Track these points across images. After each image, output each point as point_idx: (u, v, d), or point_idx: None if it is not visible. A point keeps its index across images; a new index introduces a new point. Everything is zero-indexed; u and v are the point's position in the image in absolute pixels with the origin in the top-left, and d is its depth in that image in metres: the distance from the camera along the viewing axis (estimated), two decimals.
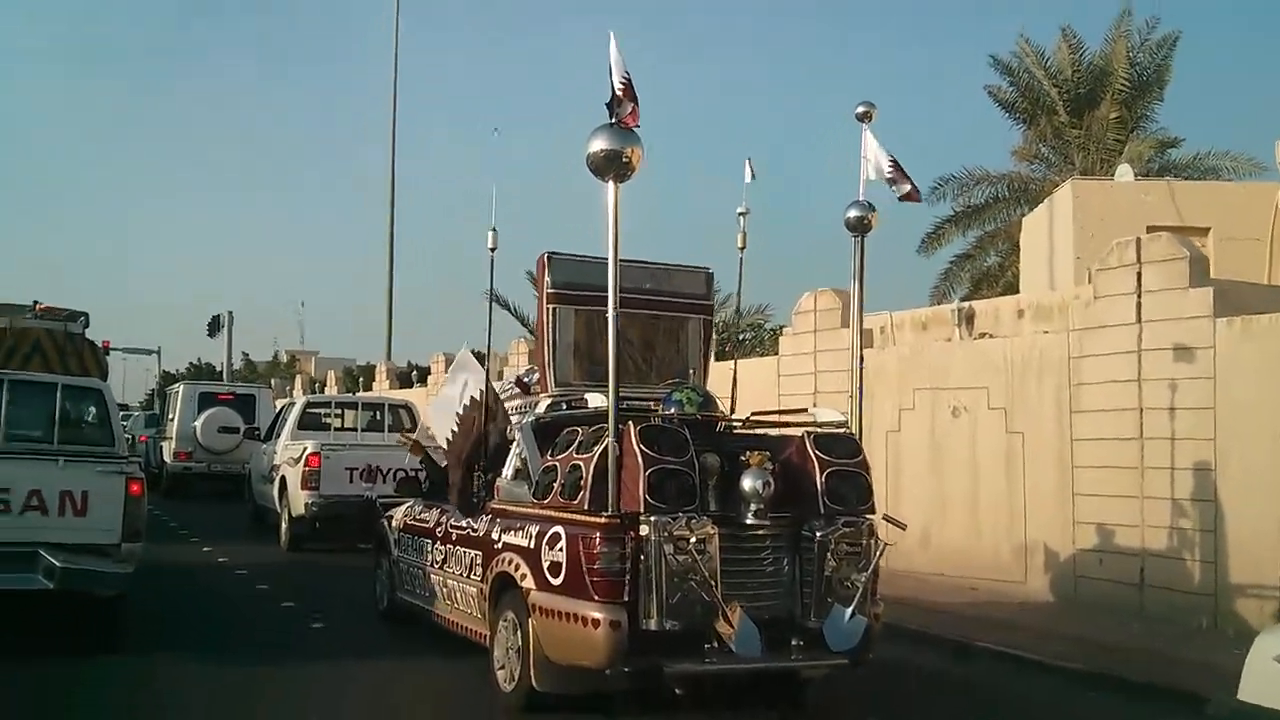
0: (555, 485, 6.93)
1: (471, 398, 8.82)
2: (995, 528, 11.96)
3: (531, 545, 6.96)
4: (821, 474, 6.78)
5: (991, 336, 12.88)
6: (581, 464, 6.71)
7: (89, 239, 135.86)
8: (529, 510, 7.23)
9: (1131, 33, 26.59)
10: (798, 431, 7.19)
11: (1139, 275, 10.42)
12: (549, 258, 8.17)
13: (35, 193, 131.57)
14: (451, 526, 8.44)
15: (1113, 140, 26.16)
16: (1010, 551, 11.75)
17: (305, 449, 14.93)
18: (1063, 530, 11.15)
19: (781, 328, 19.29)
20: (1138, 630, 9.79)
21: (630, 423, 6.49)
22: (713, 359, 9.17)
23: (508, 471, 7.99)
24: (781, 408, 9.27)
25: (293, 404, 18.29)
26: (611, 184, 6.46)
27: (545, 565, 6.76)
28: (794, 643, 6.58)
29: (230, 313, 40.18)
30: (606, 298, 6.69)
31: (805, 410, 7.93)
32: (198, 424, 22.89)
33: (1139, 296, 10.41)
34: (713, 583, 6.20)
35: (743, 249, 8.84)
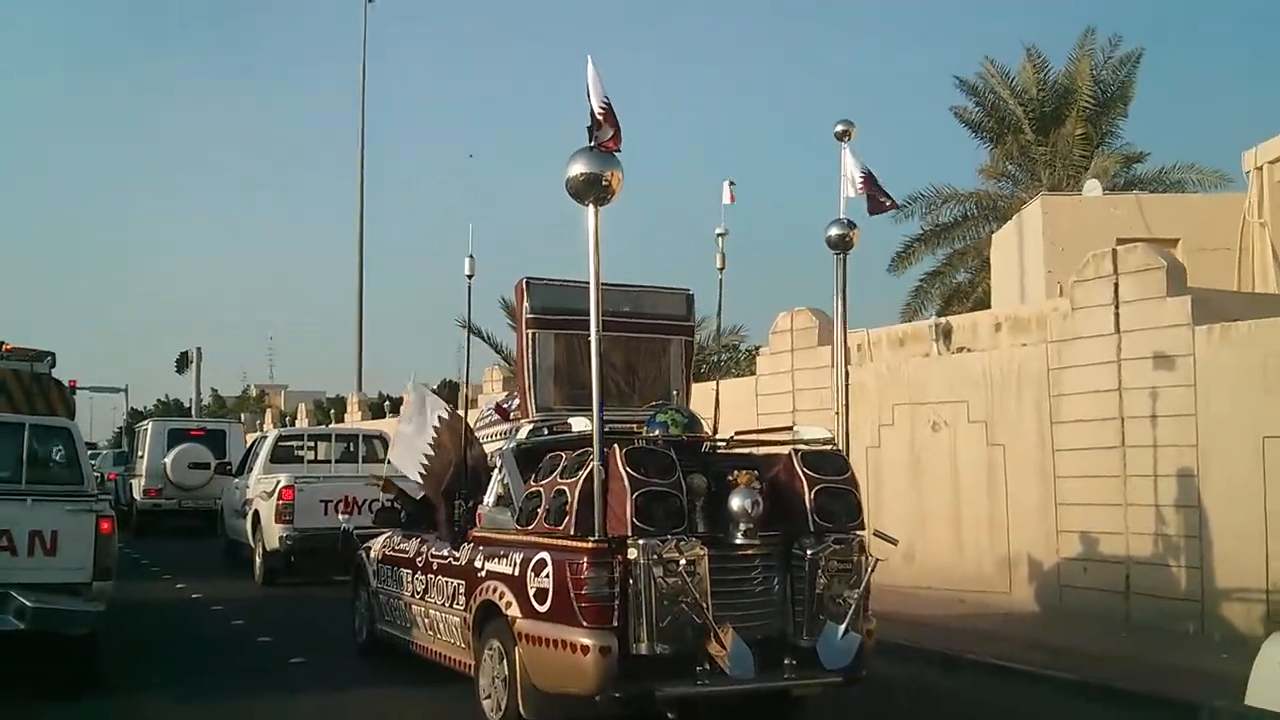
0: (540, 511, 6.81)
1: (439, 419, 8.71)
2: (978, 540, 11.92)
3: (516, 572, 6.83)
4: (810, 491, 6.70)
5: (969, 351, 12.88)
6: (566, 489, 6.59)
7: (54, 276, 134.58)
8: (513, 537, 7.10)
9: (1095, 51, 26.90)
10: (784, 450, 7.11)
11: (1116, 286, 10.45)
12: (527, 283, 8.07)
13: None
14: (432, 556, 8.29)
15: (1079, 156, 26.41)
16: (994, 563, 11.72)
17: (279, 482, 14.72)
18: (1046, 540, 11.13)
19: (758, 348, 19.28)
20: (1125, 638, 9.78)
21: (615, 445, 6.40)
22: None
23: (489, 499, 7.86)
24: (762, 427, 9.22)
25: (264, 437, 18.06)
26: (591, 208, 6.39)
27: (531, 592, 6.64)
28: (787, 662, 6.50)
29: (199, 349, 39.89)
30: (586, 322, 6.62)
31: (790, 428, 7.86)
32: (168, 460, 22.59)
33: (1117, 307, 10.43)
34: (704, 604, 6.10)
35: (722, 270, 8.77)
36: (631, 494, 6.18)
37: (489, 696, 7.10)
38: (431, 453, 8.71)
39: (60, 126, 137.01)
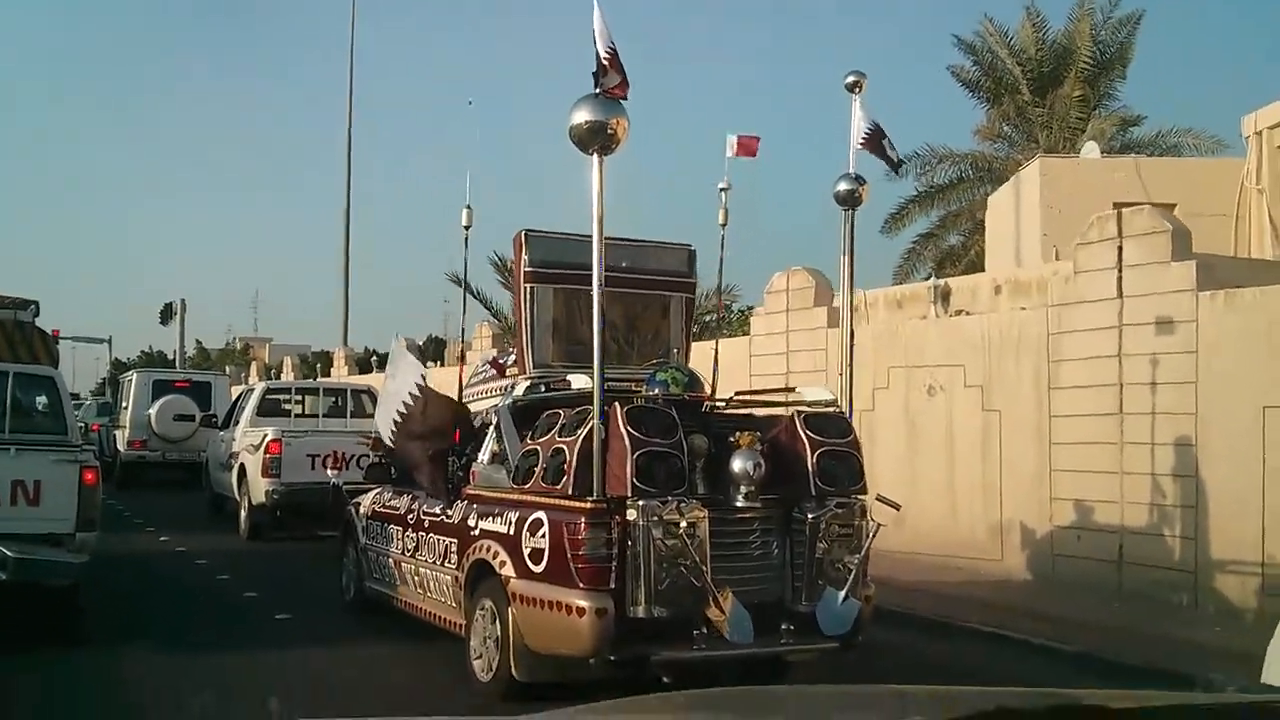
0: (537, 469, 6.69)
1: (415, 387, 8.52)
2: (971, 506, 11.84)
3: (511, 532, 6.70)
4: (813, 454, 6.58)
5: (968, 314, 12.75)
6: (565, 447, 6.46)
7: (36, 228, 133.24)
8: (508, 496, 6.97)
9: (1095, 11, 26.64)
10: (786, 411, 6.98)
11: (1120, 249, 10.29)
12: (526, 236, 7.89)
13: None
14: (424, 513, 8.15)
15: (1076, 119, 26.22)
16: (987, 530, 11.65)
17: (265, 435, 14.52)
18: (1040, 508, 11.04)
19: (750, 308, 19.11)
20: (1118, 608, 9.72)
21: (616, 404, 6.25)
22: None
23: (483, 456, 7.71)
24: (755, 388, 9.07)
25: (251, 390, 17.82)
26: (596, 157, 6.20)
27: (526, 552, 6.51)
28: (784, 627, 6.42)
29: (183, 300, 39.51)
30: (585, 276, 6.47)
31: (793, 389, 7.73)
32: (152, 412, 22.31)
33: (1120, 271, 10.28)
34: (704, 568, 5.99)
35: (724, 225, 8.59)
36: (632, 454, 6.05)
37: (479, 656, 6.99)
38: (401, 417, 8.50)
39: (46, 77, 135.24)
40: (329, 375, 33.06)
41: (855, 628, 6.45)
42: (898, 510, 6.48)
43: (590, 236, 6.40)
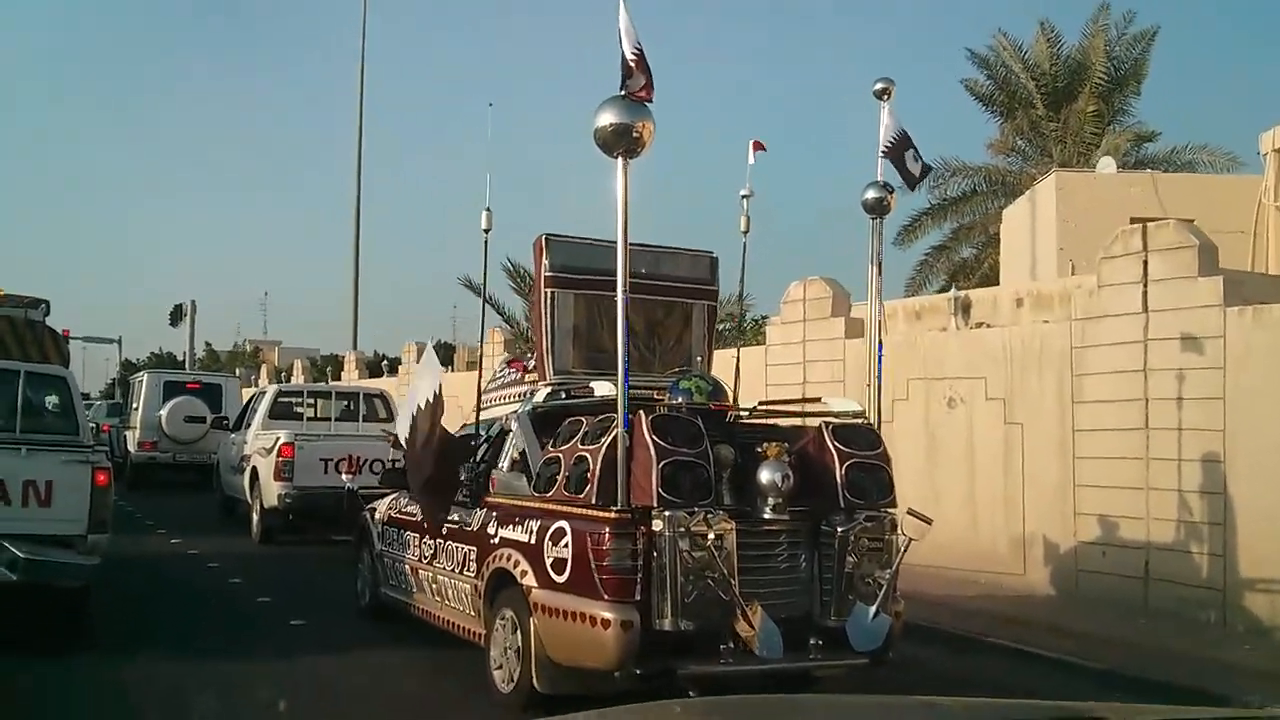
0: (559, 478, 6.55)
1: (430, 397, 8.40)
2: (993, 520, 11.69)
3: (533, 541, 6.58)
4: (841, 466, 6.45)
5: (989, 326, 12.61)
6: (588, 455, 6.33)
7: (44, 229, 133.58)
8: (529, 504, 6.85)
9: (1109, 26, 26.59)
10: (813, 422, 6.86)
11: (1145, 263, 10.16)
12: (547, 240, 7.78)
13: None
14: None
15: (1090, 134, 26.18)
16: (1008, 544, 11.50)
17: (278, 439, 14.43)
18: (1063, 522, 10.89)
19: (764, 317, 19.00)
20: (1144, 625, 9.57)
21: (641, 412, 6.13)
22: None
23: (503, 463, 7.60)
24: (774, 398, 8.96)
25: (263, 393, 17.72)
26: (620, 160, 6.10)
27: (548, 562, 6.39)
28: (812, 642, 6.28)
29: (193, 302, 39.48)
30: (606, 281, 6.37)
31: (819, 399, 7.61)
32: (163, 413, 22.23)
33: (1145, 285, 10.15)
34: (732, 581, 5.86)
35: (746, 233, 8.48)
36: (658, 463, 5.93)
37: (500, 667, 6.87)
38: (410, 427, 8.40)
39: (50, 77, 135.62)
40: (339, 379, 33.00)
41: (886, 644, 6.32)
42: (929, 525, 6.35)
43: (612, 241, 6.28)
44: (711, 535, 5.84)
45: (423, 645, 8.31)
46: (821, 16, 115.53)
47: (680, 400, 6.77)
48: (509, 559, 6.79)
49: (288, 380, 35.61)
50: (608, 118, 6.02)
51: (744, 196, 8.45)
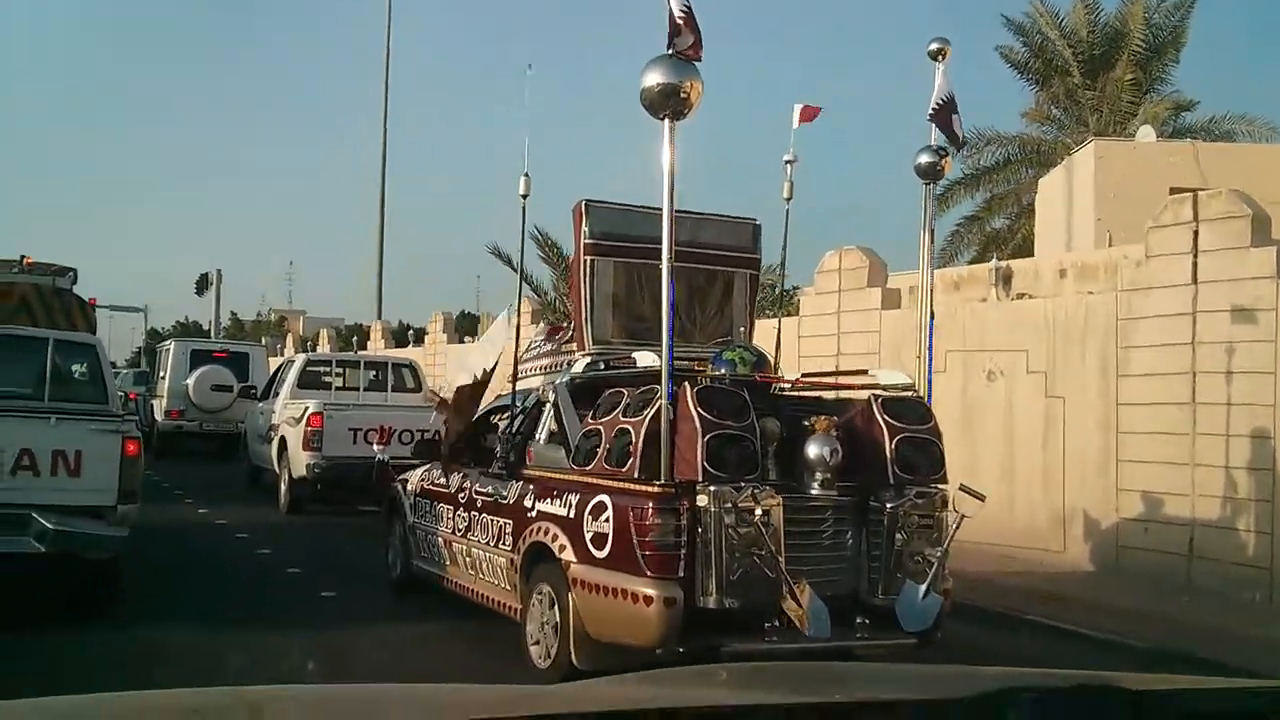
0: (600, 451, 6.38)
1: (483, 370, 8.28)
2: (1031, 495, 11.47)
3: (572, 515, 6.42)
4: (891, 441, 6.26)
5: (1030, 297, 12.35)
6: (631, 428, 6.15)
7: (72, 196, 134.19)
8: (568, 477, 6.68)
9: None
10: (861, 395, 6.66)
11: (1195, 233, 9.89)
12: (586, 206, 7.57)
13: (16, 149, 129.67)
14: (476, 492, 7.87)
15: (1127, 102, 25.70)
16: (1048, 520, 11.29)
17: (306, 408, 14.32)
18: (1105, 498, 10.67)
19: (795, 288, 18.76)
20: (1187, 603, 9.35)
21: (686, 384, 5.95)
22: None
23: (541, 435, 7.43)
24: (813, 370, 8.78)
25: (291, 362, 17.63)
26: (667, 122, 5.90)
27: (588, 536, 6.23)
28: (859, 621, 6.11)
29: (219, 271, 39.56)
30: (647, 249, 6.18)
31: (865, 371, 7.40)
32: (190, 382, 22.16)
33: (1195, 256, 9.88)
34: (779, 558, 5.69)
35: (789, 200, 8.25)
36: (703, 436, 5.76)
37: (537, 643, 6.73)
38: (463, 388, 8.29)
39: (91, 38, 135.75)
40: (365, 348, 32.94)
41: (935, 624, 6.14)
42: (983, 501, 6.16)
43: (653, 208, 6.11)
44: (759, 511, 5.67)
45: (455, 618, 8.19)
46: None
47: (723, 371, 6.59)
48: (547, 533, 6.64)
49: (313, 350, 35.61)
50: (655, 77, 5.83)
51: (787, 162, 8.23)
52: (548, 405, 7.43)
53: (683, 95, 5.84)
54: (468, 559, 7.92)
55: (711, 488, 5.72)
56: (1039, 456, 11.41)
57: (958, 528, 6.24)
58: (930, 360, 7.04)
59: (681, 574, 5.78)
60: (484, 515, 7.65)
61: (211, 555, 11.38)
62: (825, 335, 14.10)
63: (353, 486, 13.52)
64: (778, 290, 24.05)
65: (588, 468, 6.46)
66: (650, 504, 5.85)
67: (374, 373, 17.26)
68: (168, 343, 25.43)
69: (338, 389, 16.65)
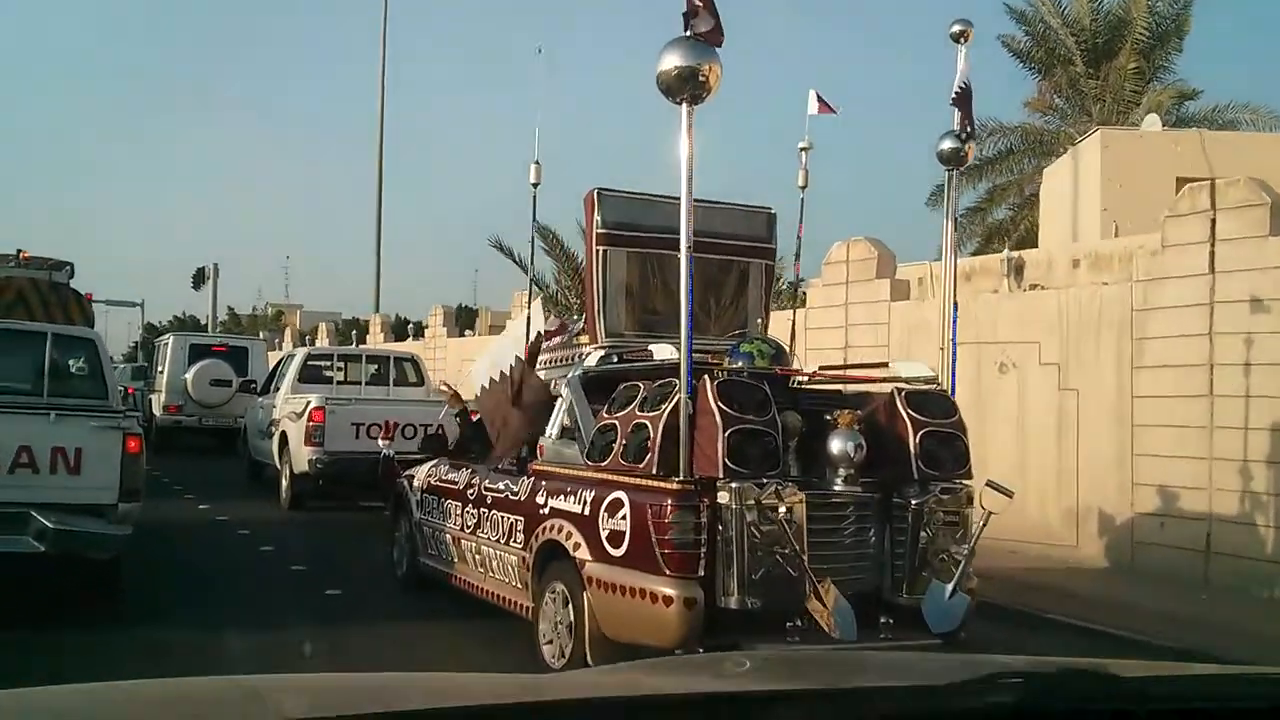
0: (615, 446, 6.21)
1: (511, 362, 8.09)
2: (1044, 490, 11.31)
3: (586, 512, 6.26)
4: (915, 435, 6.10)
5: (1043, 288, 12.18)
6: (648, 423, 5.98)
7: (66, 189, 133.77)
8: (582, 473, 6.52)
9: None
10: (884, 388, 6.49)
11: (1213, 223, 9.73)
12: (599, 194, 7.39)
13: (12, 143, 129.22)
14: (486, 489, 7.71)
15: (1130, 91, 25.54)
16: (1060, 515, 11.13)
17: (308, 403, 14.13)
18: (1119, 493, 10.52)
19: (802, 280, 18.57)
20: (1204, 600, 9.21)
21: (705, 377, 5.78)
22: None
23: (552, 430, 7.26)
24: (849, 363, 8.61)
25: (291, 356, 17.41)
26: (685, 106, 5.73)
27: (604, 534, 6.07)
28: (883, 621, 5.96)
29: (216, 264, 39.34)
30: (661, 239, 6.02)
31: (886, 364, 7.23)
32: (189, 376, 21.94)
33: (1212, 245, 9.72)
34: (803, 557, 5.53)
35: (804, 188, 8.08)
36: (724, 431, 5.59)
37: (550, 642, 6.58)
38: (490, 384, 8.13)
39: (87, 34, 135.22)
40: (364, 342, 32.75)
41: (961, 624, 5.99)
42: (1010, 497, 6.00)
43: (667, 197, 5.95)
44: (782, 509, 5.51)
45: (464, 617, 8.03)
46: None
47: (741, 364, 6.42)
48: (560, 530, 6.48)
49: (311, 344, 35.40)
50: (672, 60, 5.66)
51: (802, 149, 8.06)
52: (560, 399, 7.26)
53: (701, 79, 5.67)
54: (477, 556, 7.76)
55: (733, 484, 5.57)
56: (1052, 450, 11.25)
57: (985, 525, 6.07)
58: (955, 352, 6.85)
59: (702, 573, 5.63)
60: (494, 512, 7.49)
61: (213, 552, 11.20)
62: (833, 327, 13.94)
63: (356, 482, 13.32)
64: (791, 281, 23.95)
65: (603, 463, 6.29)
66: (670, 501, 5.68)
67: (375, 367, 17.09)
68: (166, 337, 25.23)
69: (339, 383, 16.48)
